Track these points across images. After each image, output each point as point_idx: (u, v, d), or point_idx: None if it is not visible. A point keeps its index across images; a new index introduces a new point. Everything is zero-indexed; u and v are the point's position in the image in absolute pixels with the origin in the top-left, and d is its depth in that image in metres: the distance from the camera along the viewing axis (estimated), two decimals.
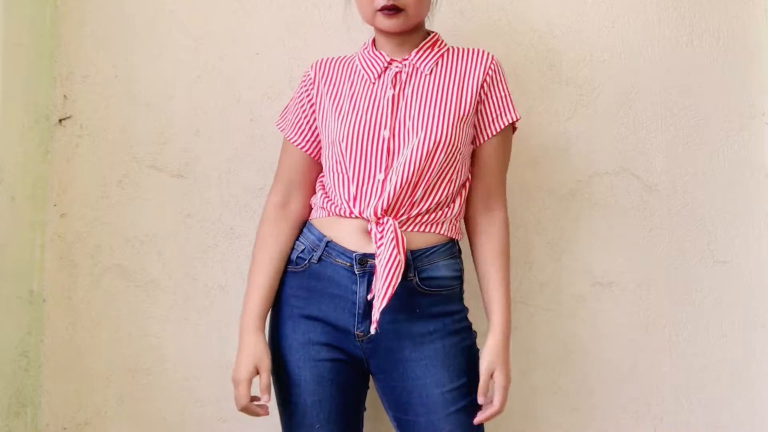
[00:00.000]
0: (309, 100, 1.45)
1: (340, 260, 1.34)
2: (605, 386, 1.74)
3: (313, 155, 1.46)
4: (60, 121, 1.69)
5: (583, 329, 1.74)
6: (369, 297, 1.29)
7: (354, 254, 1.32)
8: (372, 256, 1.31)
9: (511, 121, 1.41)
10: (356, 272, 1.32)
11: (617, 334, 1.75)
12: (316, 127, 1.45)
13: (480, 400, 1.32)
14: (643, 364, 1.75)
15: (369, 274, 1.31)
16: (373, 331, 1.27)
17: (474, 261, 1.44)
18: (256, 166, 1.70)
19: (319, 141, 1.45)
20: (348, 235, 1.34)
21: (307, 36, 1.72)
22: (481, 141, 1.41)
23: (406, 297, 1.32)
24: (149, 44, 1.70)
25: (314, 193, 1.47)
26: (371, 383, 1.42)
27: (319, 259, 1.35)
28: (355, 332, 1.32)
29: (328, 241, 1.35)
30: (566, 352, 1.73)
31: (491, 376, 1.33)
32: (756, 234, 1.79)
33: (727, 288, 1.77)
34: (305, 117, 1.46)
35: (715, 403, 1.75)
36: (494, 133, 1.40)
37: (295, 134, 1.46)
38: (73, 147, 1.68)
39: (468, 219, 1.44)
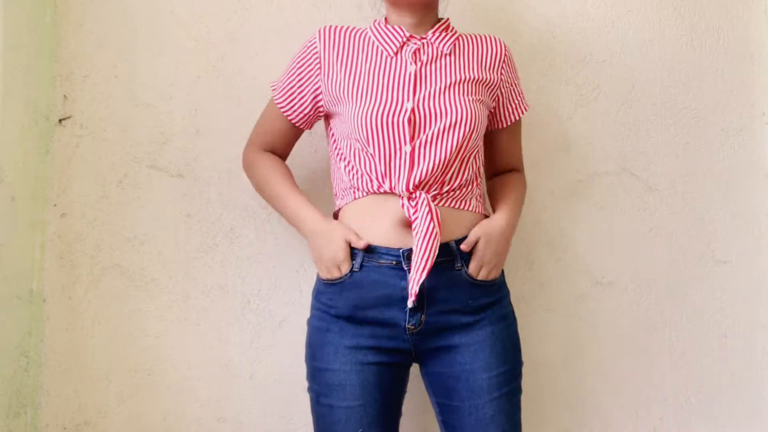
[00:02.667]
0: (309, 71, 1.42)
1: (384, 261, 1.32)
2: (605, 386, 1.74)
3: (299, 125, 1.46)
4: (60, 121, 1.69)
5: (583, 329, 1.74)
6: (410, 302, 1.28)
7: (401, 251, 1.31)
8: None
9: (524, 112, 1.49)
10: (404, 267, 1.31)
11: (617, 334, 1.75)
12: (311, 99, 1.43)
13: (463, 246, 1.34)
14: (643, 364, 1.75)
15: None
16: (410, 304, 1.27)
17: (491, 201, 1.49)
18: None
19: (311, 113, 1.44)
20: (387, 232, 1.33)
21: (307, 36, 1.72)
22: (500, 127, 1.48)
23: (457, 289, 1.33)
24: (149, 44, 1.70)
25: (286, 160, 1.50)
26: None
27: (361, 266, 1.33)
28: (406, 326, 1.32)
29: (368, 245, 1.33)
30: (566, 352, 1.73)
31: (476, 242, 1.34)
32: (756, 234, 1.79)
33: (727, 288, 1.78)
34: (300, 86, 1.43)
35: (715, 403, 1.75)
36: (513, 120, 1.48)
37: (285, 101, 1.45)
38: (73, 147, 1.68)
39: (488, 185, 1.52)
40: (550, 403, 1.72)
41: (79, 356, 1.66)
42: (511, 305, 1.42)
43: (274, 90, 1.47)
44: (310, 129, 1.51)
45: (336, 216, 1.44)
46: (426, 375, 1.39)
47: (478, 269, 1.34)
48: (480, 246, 1.34)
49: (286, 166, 1.49)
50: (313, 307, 1.41)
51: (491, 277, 1.36)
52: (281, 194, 1.43)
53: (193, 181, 1.69)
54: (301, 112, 1.44)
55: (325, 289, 1.37)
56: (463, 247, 1.33)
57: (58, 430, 1.65)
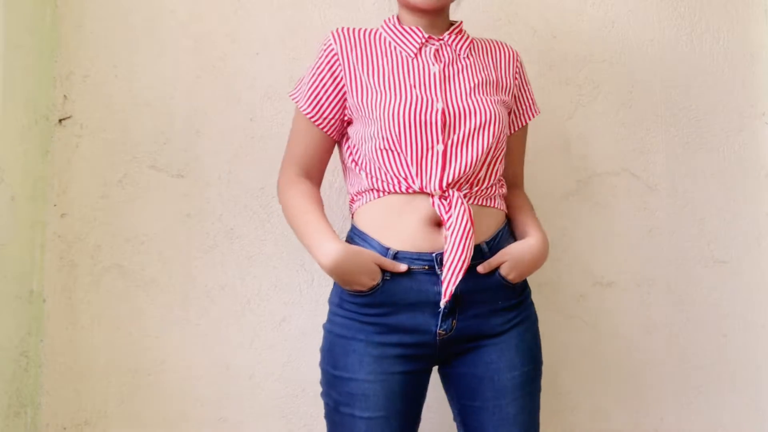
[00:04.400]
0: (333, 73, 1.36)
1: (416, 267, 1.28)
2: (605, 386, 1.74)
3: (331, 134, 1.38)
4: (60, 121, 1.69)
5: (583, 329, 1.74)
6: (443, 303, 1.25)
7: (433, 255, 1.28)
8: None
9: (534, 116, 1.49)
10: (438, 272, 1.28)
11: (617, 334, 1.75)
12: (338, 103, 1.36)
13: (479, 269, 1.30)
14: (643, 364, 1.75)
15: None
16: (442, 304, 1.25)
17: (510, 219, 1.46)
18: (256, 166, 1.70)
19: (340, 118, 1.38)
20: (414, 233, 1.29)
21: (307, 36, 1.72)
22: (512, 131, 1.47)
23: (490, 293, 1.32)
24: (149, 44, 1.70)
25: (320, 184, 1.43)
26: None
27: (392, 274, 1.28)
28: (437, 331, 1.29)
29: (396, 252, 1.28)
30: (566, 352, 1.73)
31: (500, 265, 1.32)
32: (756, 234, 1.79)
33: (727, 288, 1.78)
34: (326, 91, 1.36)
35: (715, 403, 1.75)
36: (523, 124, 1.48)
37: (313, 110, 1.37)
38: (73, 147, 1.68)
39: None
40: (550, 403, 1.72)
41: (79, 356, 1.66)
42: (533, 303, 1.41)
43: (296, 101, 1.39)
44: (339, 140, 1.42)
45: (352, 218, 1.40)
46: (448, 375, 1.37)
47: (508, 272, 1.32)
48: (505, 269, 1.31)
49: (319, 195, 1.40)
50: (335, 314, 1.35)
51: (519, 280, 1.34)
52: (308, 221, 1.33)
53: (193, 181, 1.69)
54: (331, 119, 1.37)
55: (350, 298, 1.31)
56: (480, 269, 1.30)
57: (58, 430, 1.65)
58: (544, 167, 1.75)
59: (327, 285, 1.66)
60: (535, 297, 1.73)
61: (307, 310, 1.68)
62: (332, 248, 1.26)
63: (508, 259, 1.32)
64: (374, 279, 1.27)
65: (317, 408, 1.64)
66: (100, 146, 1.68)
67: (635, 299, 1.75)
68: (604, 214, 1.76)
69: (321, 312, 1.66)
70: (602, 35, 1.78)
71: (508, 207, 1.45)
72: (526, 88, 1.48)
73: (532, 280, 1.73)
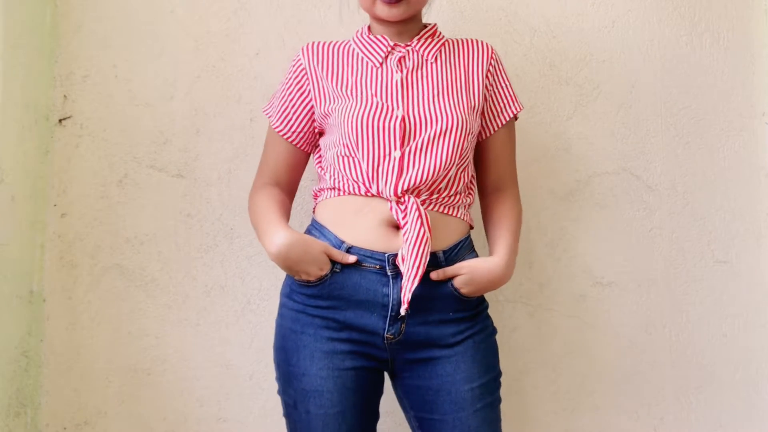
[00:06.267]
0: (300, 88, 1.41)
1: (368, 264, 1.29)
2: (605, 386, 1.74)
3: (301, 147, 1.42)
4: (60, 121, 1.69)
5: (583, 329, 1.74)
6: (404, 310, 1.25)
7: (386, 255, 1.28)
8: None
9: (516, 112, 1.43)
10: (389, 273, 1.28)
11: (617, 334, 1.75)
12: (306, 117, 1.40)
13: (433, 275, 1.29)
14: (643, 364, 1.75)
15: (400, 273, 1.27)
16: (403, 311, 1.25)
17: (485, 230, 1.44)
18: (256, 166, 1.68)
19: (310, 131, 1.41)
20: (370, 232, 1.30)
21: (307, 36, 1.72)
22: (490, 133, 1.43)
23: (441, 301, 1.30)
24: (149, 44, 1.70)
25: (294, 196, 1.45)
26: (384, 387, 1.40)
27: (342, 267, 1.29)
28: (385, 335, 1.29)
29: (349, 247, 1.29)
30: (566, 352, 1.73)
31: (455, 276, 1.30)
32: (756, 234, 1.79)
33: (727, 288, 1.78)
34: (294, 106, 1.41)
35: (715, 403, 1.75)
36: (501, 124, 1.42)
37: (282, 124, 1.41)
38: (73, 147, 1.68)
39: (482, 205, 1.46)
40: (550, 404, 1.72)
41: (79, 356, 1.66)
42: (490, 317, 1.39)
43: (269, 116, 1.45)
44: (312, 152, 1.46)
45: (313, 212, 1.41)
46: (402, 387, 1.36)
47: (462, 285, 1.31)
48: (458, 282, 1.30)
49: (285, 199, 1.42)
50: (284, 306, 1.36)
51: (473, 296, 1.33)
52: (261, 215, 1.36)
53: (193, 181, 1.69)
54: (299, 132, 1.41)
55: (300, 289, 1.32)
56: (433, 276, 1.29)
57: (58, 430, 1.65)
58: (544, 167, 1.75)
59: None
60: (536, 297, 1.73)
61: None
62: (280, 236, 1.28)
63: (465, 273, 1.30)
64: (322, 269, 1.28)
65: None
66: (100, 146, 1.68)
67: (635, 299, 1.75)
68: (604, 214, 1.76)
69: None
70: (602, 35, 1.78)
71: (486, 216, 1.44)
72: (502, 85, 1.43)
73: (532, 280, 1.73)
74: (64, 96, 1.69)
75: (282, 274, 1.67)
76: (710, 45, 1.81)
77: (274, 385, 1.66)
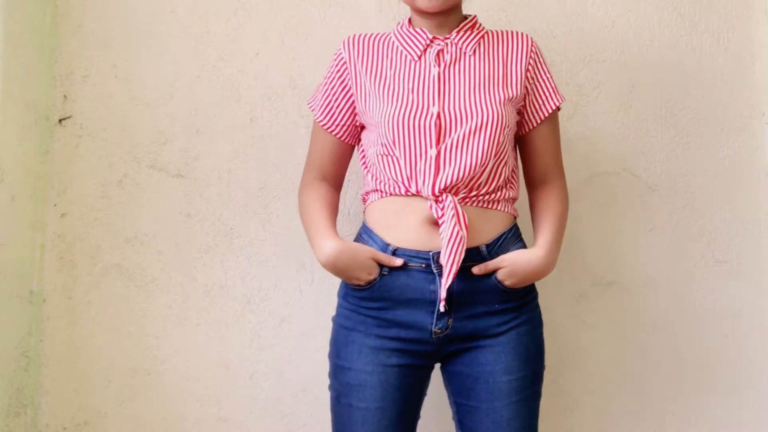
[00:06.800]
0: (341, 82, 1.41)
1: (413, 264, 1.31)
2: (605, 386, 1.74)
3: (345, 139, 1.43)
4: (60, 121, 1.69)
5: (583, 329, 1.74)
6: (442, 307, 1.27)
7: (430, 253, 1.30)
8: None
9: (558, 104, 1.42)
10: (434, 271, 1.30)
11: (617, 334, 1.75)
12: (348, 110, 1.41)
13: (474, 270, 1.31)
14: (644, 364, 1.75)
15: None
16: (442, 308, 1.27)
17: (532, 222, 1.45)
18: (256, 166, 1.70)
19: (352, 124, 1.42)
20: (413, 232, 1.32)
21: (307, 36, 1.72)
22: (533, 126, 1.42)
23: (486, 294, 1.32)
24: (149, 44, 1.70)
25: (341, 187, 1.47)
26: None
27: (390, 270, 1.31)
28: (433, 330, 1.31)
29: (395, 249, 1.32)
30: (566, 352, 1.73)
31: (497, 269, 1.32)
32: (756, 234, 1.79)
33: (727, 288, 1.77)
34: (336, 99, 1.41)
35: (715, 403, 1.75)
36: (544, 117, 1.41)
37: (325, 117, 1.42)
38: (73, 147, 1.68)
39: (529, 197, 1.47)
40: (550, 404, 1.72)
41: (79, 356, 1.66)
42: (539, 307, 1.41)
43: (312, 109, 1.45)
44: (356, 144, 1.47)
45: (363, 215, 1.43)
46: (446, 372, 1.38)
47: (504, 277, 1.32)
48: (501, 274, 1.32)
49: (333, 197, 1.45)
50: (340, 306, 1.39)
51: (517, 287, 1.34)
52: (311, 220, 1.39)
53: (193, 181, 1.69)
54: (343, 125, 1.42)
55: (352, 292, 1.35)
56: (475, 270, 1.31)
57: (58, 430, 1.65)
58: None
59: (327, 285, 1.66)
60: None
61: (307, 310, 1.68)
62: (328, 245, 1.32)
63: (507, 265, 1.32)
64: (371, 274, 1.31)
65: (317, 408, 1.64)
66: (100, 146, 1.68)
67: (635, 299, 1.75)
68: (604, 214, 1.76)
69: (321, 312, 1.66)
70: (602, 35, 1.78)
71: (532, 208, 1.46)
72: (544, 77, 1.41)
73: None
74: (64, 96, 1.69)
75: (281, 275, 1.68)
76: (710, 45, 1.81)
77: (274, 385, 1.67)
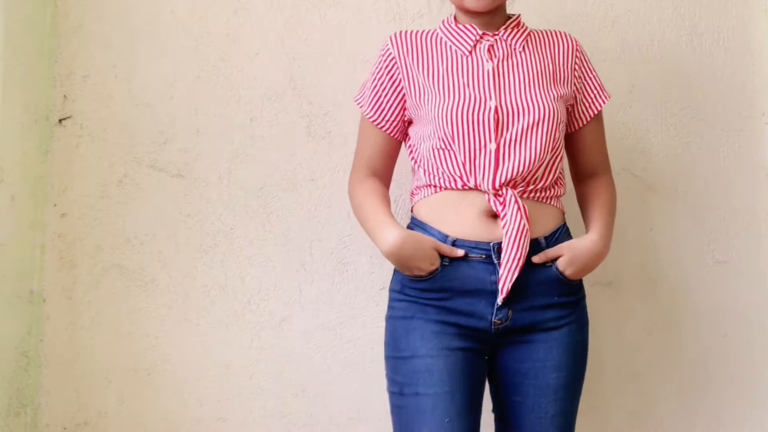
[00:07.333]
0: (391, 77, 1.40)
1: (474, 255, 1.30)
2: (605, 386, 1.74)
3: (393, 135, 1.43)
4: (60, 121, 1.69)
5: None
6: (500, 300, 1.27)
7: (490, 244, 1.30)
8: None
9: (605, 102, 1.44)
10: (494, 261, 1.29)
11: (617, 334, 1.75)
12: (399, 105, 1.41)
13: (535, 259, 1.32)
14: (643, 364, 1.75)
15: None
16: (500, 302, 1.27)
17: (582, 215, 1.46)
18: (256, 166, 1.70)
19: (401, 119, 1.42)
20: (471, 223, 1.32)
21: (307, 36, 1.73)
22: (582, 124, 1.44)
23: (546, 286, 1.32)
24: (149, 44, 1.70)
25: (389, 184, 1.46)
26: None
27: (450, 260, 1.31)
28: (493, 320, 1.31)
29: (454, 240, 1.31)
30: None
31: (557, 257, 1.33)
32: (756, 234, 1.79)
33: (727, 288, 1.77)
34: (386, 94, 1.41)
35: (715, 403, 1.75)
36: (593, 115, 1.44)
37: (375, 113, 1.41)
38: (73, 147, 1.68)
39: (578, 192, 1.49)
40: None
41: (79, 356, 1.66)
42: (587, 307, 1.42)
43: (360, 106, 1.45)
44: (404, 140, 1.46)
45: (411, 211, 1.42)
46: (494, 366, 1.37)
47: (565, 266, 1.33)
48: (561, 263, 1.32)
49: (385, 191, 1.45)
50: (395, 300, 1.37)
51: (577, 277, 1.35)
52: (370, 212, 1.38)
53: (193, 181, 1.69)
54: (392, 120, 1.42)
55: (411, 284, 1.34)
56: (535, 259, 1.31)
57: (58, 430, 1.65)
58: None
59: (327, 285, 1.66)
60: None
61: (307, 310, 1.68)
62: (392, 234, 1.31)
63: (566, 253, 1.33)
64: (433, 264, 1.30)
65: (317, 408, 1.64)
66: (100, 146, 1.68)
67: (635, 299, 1.75)
68: None
69: (321, 312, 1.66)
70: (602, 35, 1.78)
71: (582, 200, 1.47)
72: (590, 76, 1.44)
73: None
74: (64, 96, 1.69)
75: (281, 275, 1.68)
76: (710, 45, 1.81)
77: (274, 385, 1.67)
